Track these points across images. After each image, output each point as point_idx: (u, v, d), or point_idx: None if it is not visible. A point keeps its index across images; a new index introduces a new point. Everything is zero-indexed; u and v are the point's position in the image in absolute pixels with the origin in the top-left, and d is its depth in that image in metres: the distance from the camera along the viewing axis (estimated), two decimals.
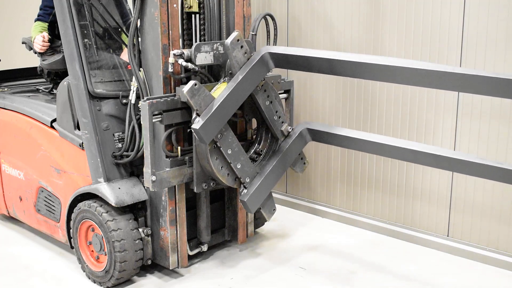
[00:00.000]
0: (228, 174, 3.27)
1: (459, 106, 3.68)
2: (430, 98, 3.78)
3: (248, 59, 3.12)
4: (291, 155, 3.45)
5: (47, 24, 3.96)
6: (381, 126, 4.08)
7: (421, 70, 2.58)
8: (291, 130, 3.42)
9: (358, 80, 4.11)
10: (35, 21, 3.99)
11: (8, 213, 4.30)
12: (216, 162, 3.19)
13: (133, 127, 3.35)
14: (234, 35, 3.04)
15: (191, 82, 3.01)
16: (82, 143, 3.45)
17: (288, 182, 4.77)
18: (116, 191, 3.36)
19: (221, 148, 3.17)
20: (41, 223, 3.95)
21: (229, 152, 3.21)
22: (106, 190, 3.35)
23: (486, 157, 3.62)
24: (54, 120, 3.67)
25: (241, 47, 3.07)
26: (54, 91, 4.08)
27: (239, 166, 3.26)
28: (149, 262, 3.51)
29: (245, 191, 3.29)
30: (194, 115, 3.08)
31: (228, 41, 3.03)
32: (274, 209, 3.51)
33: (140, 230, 3.43)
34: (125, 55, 3.62)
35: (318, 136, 3.42)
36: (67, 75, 3.45)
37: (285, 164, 3.44)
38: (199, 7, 3.33)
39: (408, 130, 3.94)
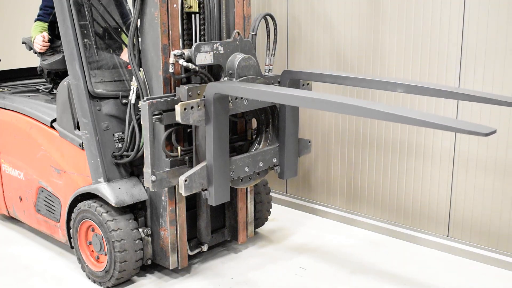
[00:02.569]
0: None
1: (459, 107, 3.68)
2: (430, 102, 3.78)
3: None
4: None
5: (47, 24, 3.96)
6: (380, 126, 4.08)
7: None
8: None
9: None
10: (35, 21, 3.99)
11: (8, 213, 4.30)
12: None
13: (133, 127, 3.35)
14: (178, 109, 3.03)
15: (182, 178, 3.07)
16: (82, 143, 3.46)
17: (288, 182, 4.77)
18: (116, 191, 3.36)
19: None
20: (41, 223, 3.95)
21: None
22: (106, 190, 3.36)
23: (486, 157, 3.63)
24: (54, 120, 3.67)
25: (191, 107, 3.06)
26: (54, 91, 4.08)
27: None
28: (149, 262, 3.51)
29: None
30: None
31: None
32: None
33: (140, 230, 3.43)
34: (125, 55, 3.62)
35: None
36: (67, 75, 3.45)
37: None
38: (199, 7, 3.33)
39: (408, 132, 3.94)
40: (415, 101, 3.85)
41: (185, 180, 3.09)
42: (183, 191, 3.10)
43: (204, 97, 3.09)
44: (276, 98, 2.91)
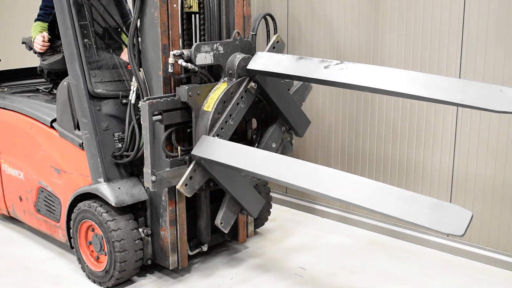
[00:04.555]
0: None
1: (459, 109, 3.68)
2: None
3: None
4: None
5: (47, 24, 3.96)
6: (381, 125, 4.08)
7: None
8: None
9: None
10: (35, 21, 3.99)
11: (8, 213, 4.30)
12: None
13: (133, 127, 3.35)
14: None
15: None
16: (82, 143, 3.46)
17: None
18: (116, 191, 3.36)
19: None
20: (41, 223, 3.95)
21: None
22: (106, 190, 3.36)
23: (487, 156, 3.62)
24: (54, 120, 3.67)
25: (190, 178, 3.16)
26: (54, 91, 4.08)
27: None
28: (149, 262, 3.51)
29: None
30: None
31: None
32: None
33: (140, 230, 3.43)
34: (125, 55, 3.62)
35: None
36: (67, 75, 3.45)
37: None
38: (199, 7, 3.33)
39: (408, 130, 3.94)
40: (414, 114, 3.86)
41: (186, 185, 3.14)
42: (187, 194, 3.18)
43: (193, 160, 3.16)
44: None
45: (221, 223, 3.36)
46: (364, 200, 2.43)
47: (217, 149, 3.02)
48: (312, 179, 2.63)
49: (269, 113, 3.54)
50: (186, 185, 3.15)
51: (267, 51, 3.30)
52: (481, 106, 2.30)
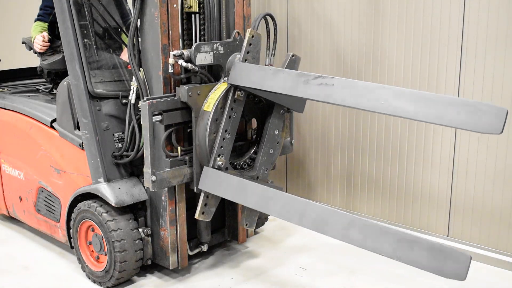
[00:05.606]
0: None
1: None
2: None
3: None
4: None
5: (47, 24, 3.96)
6: (381, 128, 4.08)
7: None
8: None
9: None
10: (35, 21, 3.99)
11: (8, 213, 4.30)
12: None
13: (133, 127, 3.35)
14: None
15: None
16: (82, 143, 3.46)
17: (288, 182, 4.77)
18: (116, 191, 3.36)
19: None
20: (41, 223, 3.95)
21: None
22: (106, 190, 3.36)
23: (486, 156, 3.62)
24: (54, 120, 3.67)
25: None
26: (54, 91, 4.08)
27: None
28: (149, 262, 3.51)
29: None
30: None
31: None
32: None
33: (140, 230, 3.43)
34: (125, 55, 3.62)
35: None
36: (67, 75, 3.45)
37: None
38: (199, 7, 3.33)
39: (408, 136, 3.94)
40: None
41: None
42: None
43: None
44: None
45: (246, 224, 3.41)
46: (362, 242, 2.52)
47: (222, 185, 3.09)
48: (311, 217, 2.72)
49: (266, 109, 3.52)
50: (203, 213, 3.23)
51: (283, 67, 3.25)
52: (463, 127, 2.24)
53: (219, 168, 3.16)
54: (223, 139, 3.18)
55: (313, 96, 2.71)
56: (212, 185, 3.13)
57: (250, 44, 3.22)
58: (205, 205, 3.22)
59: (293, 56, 3.34)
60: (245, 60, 3.20)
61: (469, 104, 2.18)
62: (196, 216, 3.22)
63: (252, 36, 3.22)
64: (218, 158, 3.17)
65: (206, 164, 3.20)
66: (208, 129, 3.14)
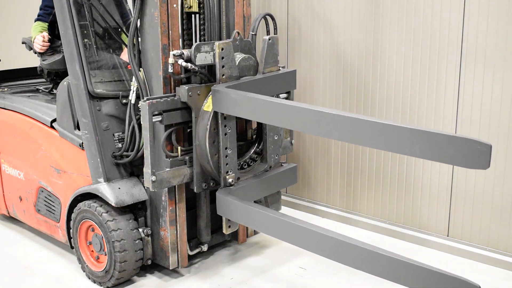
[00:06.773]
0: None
1: (459, 103, 3.68)
2: (430, 102, 3.78)
3: None
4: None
5: (47, 24, 3.96)
6: None
7: None
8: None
9: (359, 81, 4.11)
10: (35, 21, 3.99)
11: (8, 213, 4.30)
12: (215, 157, 3.22)
13: (133, 127, 3.35)
14: None
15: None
16: (82, 143, 3.46)
17: None
18: (116, 191, 3.36)
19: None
20: (41, 223, 3.95)
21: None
22: (106, 190, 3.36)
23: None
24: (54, 120, 3.67)
25: None
26: (54, 91, 4.08)
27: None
28: (149, 262, 3.51)
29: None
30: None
31: None
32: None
33: (140, 230, 3.43)
34: (125, 55, 3.62)
35: None
36: (67, 75, 3.46)
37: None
38: (199, 7, 3.33)
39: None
40: (414, 115, 3.86)
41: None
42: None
43: None
44: None
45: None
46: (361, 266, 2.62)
47: (235, 212, 3.15)
48: (312, 239, 2.77)
49: None
50: (229, 226, 3.34)
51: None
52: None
53: (230, 185, 3.21)
54: (226, 156, 3.20)
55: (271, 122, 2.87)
56: (226, 211, 3.19)
57: (223, 58, 3.14)
58: (229, 219, 3.30)
59: (270, 39, 3.33)
60: (223, 75, 3.14)
61: (455, 142, 2.21)
62: (224, 231, 3.34)
63: (222, 49, 3.13)
64: (227, 176, 3.20)
65: (206, 164, 3.21)
66: (208, 130, 3.14)
